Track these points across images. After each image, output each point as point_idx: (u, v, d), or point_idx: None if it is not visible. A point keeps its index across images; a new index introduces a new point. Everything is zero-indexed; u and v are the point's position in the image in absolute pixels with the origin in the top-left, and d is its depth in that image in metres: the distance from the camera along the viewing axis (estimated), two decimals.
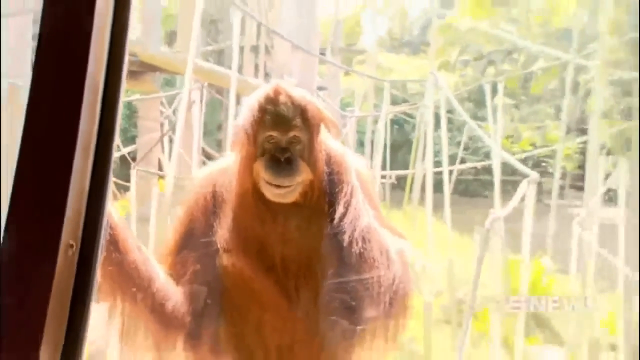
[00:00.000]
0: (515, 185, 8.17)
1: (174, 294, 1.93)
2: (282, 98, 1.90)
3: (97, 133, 1.50)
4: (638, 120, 8.84)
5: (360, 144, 12.81)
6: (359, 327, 1.92)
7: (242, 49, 11.00)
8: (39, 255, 1.37)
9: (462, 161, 13.20)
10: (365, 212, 1.93)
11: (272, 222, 1.92)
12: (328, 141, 1.97)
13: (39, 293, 1.36)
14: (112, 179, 1.55)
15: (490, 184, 10.87)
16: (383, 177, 12.98)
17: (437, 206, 11.88)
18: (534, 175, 7.27)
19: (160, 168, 9.47)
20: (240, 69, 10.31)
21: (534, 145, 14.00)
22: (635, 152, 9.04)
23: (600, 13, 11.64)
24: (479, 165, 12.78)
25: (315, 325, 1.93)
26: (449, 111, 12.18)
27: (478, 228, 8.07)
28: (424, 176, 11.21)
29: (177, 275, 1.95)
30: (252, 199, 1.91)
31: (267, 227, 1.93)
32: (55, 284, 1.37)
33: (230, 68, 8.09)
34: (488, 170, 11.42)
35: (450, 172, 12.33)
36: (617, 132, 11.09)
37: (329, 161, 1.94)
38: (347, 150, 2.02)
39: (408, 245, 1.99)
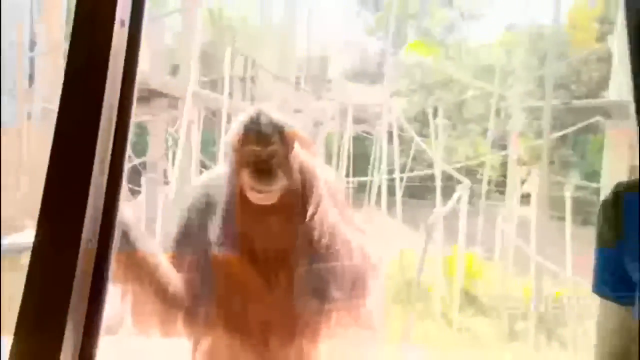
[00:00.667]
0: (452, 189, 8.25)
1: (175, 280, 1.91)
2: (263, 119, 1.89)
3: (112, 148, 1.49)
4: (545, 139, 8.94)
5: (329, 156, 12.78)
6: (326, 306, 1.91)
7: (232, 78, 10.95)
8: (64, 248, 1.35)
9: (411, 170, 13.22)
10: (331, 213, 1.92)
11: (255, 220, 1.90)
12: (302, 154, 1.96)
13: (63, 279, 1.34)
14: (123, 185, 1.53)
15: (433, 189, 10.93)
16: (347, 182, 12.98)
17: (391, 206, 11.94)
18: (467, 182, 7.36)
19: (165, 176, 9.43)
20: (230, 95, 10.25)
21: (467, 157, 14.08)
22: (545, 163, 9.17)
23: (515, 55, 11.82)
24: (423, 173, 12.80)
25: (291, 305, 1.91)
26: (400, 130, 12.25)
27: (423, 224, 8.14)
28: (380, 182, 11.27)
29: (177, 264, 1.93)
30: (239, 202, 1.89)
31: (251, 224, 1.91)
32: (77, 272, 1.35)
33: (222, 94, 8.05)
34: (431, 177, 11.46)
35: (401, 178, 12.40)
36: (530, 148, 11.25)
37: (302, 171, 1.93)
38: (318, 161, 2.01)
39: (367, 239, 1.98)
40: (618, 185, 0.98)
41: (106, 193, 1.48)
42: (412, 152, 13.24)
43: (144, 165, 10.04)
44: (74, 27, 1.49)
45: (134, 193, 9.49)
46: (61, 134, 1.40)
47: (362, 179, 12.85)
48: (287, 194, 1.89)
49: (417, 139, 11.08)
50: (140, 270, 1.86)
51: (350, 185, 13.13)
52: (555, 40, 9.74)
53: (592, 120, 10.32)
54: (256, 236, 1.91)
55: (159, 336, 1.98)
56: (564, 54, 11.18)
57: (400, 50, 16.58)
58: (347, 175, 12.98)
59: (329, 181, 1.99)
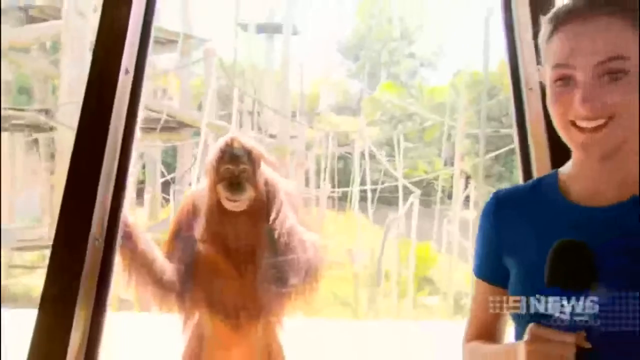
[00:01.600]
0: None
1: (169, 269, 1.88)
2: (236, 144, 1.87)
3: (117, 166, 1.48)
4: (481, 158, 8.97)
5: (318, 171, 12.77)
6: (285, 290, 1.88)
7: (241, 112, 10.95)
8: (76, 244, 1.34)
9: (382, 182, 13.21)
10: (290, 217, 1.91)
11: (229, 223, 1.88)
12: (267, 171, 1.94)
13: (75, 269, 1.33)
14: (127, 195, 1.51)
15: (396, 197, 10.95)
16: (333, 192, 13.00)
17: (364, 210, 11.91)
18: (417, 191, 7.41)
19: (190, 187, 9.42)
20: (240, 125, 10.27)
21: (425, 172, 14.09)
22: (481, 177, 9.19)
23: (461, 95, 11.87)
24: (389, 185, 12.78)
25: (257, 289, 1.89)
26: (373, 152, 12.25)
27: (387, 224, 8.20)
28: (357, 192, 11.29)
29: (170, 257, 1.90)
30: (217, 209, 1.87)
31: (226, 226, 1.89)
32: (86, 264, 1.34)
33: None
34: (396, 188, 11.46)
35: (374, 189, 12.38)
36: (472, 165, 11.27)
37: (266, 184, 1.91)
38: (279, 177, 1.99)
39: (318, 237, 1.96)
40: (497, 191, 0.94)
41: (112, 201, 1.48)
42: (382, 169, 13.25)
43: (173, 179, 10.04)
44: (89, 73, 1.49)
45: (166, 201, 9.48)
46: (75, 156, 1.40)
47: (344, 189, 12.84)
48: (255, 202, 1.88)
49: (384, 159, 11.10)
50: (140, 262, 1.84)
51: (335, 194, 13.12)
52: (489, 84, 9.80)
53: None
54: (230, 235, 1.89)
55: (158, 312, 1.96)
56: (496, 94, 11.26)
57: (374, 90, 16.65)
58: (332, 187, 12.97)
59: (289, 192, 1.97)
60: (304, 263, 1.88)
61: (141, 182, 8.93)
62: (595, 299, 0.75)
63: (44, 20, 7.69)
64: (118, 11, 1.49)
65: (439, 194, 12.60)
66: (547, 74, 0.82)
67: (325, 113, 16.18)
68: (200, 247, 1.89)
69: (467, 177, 11.14)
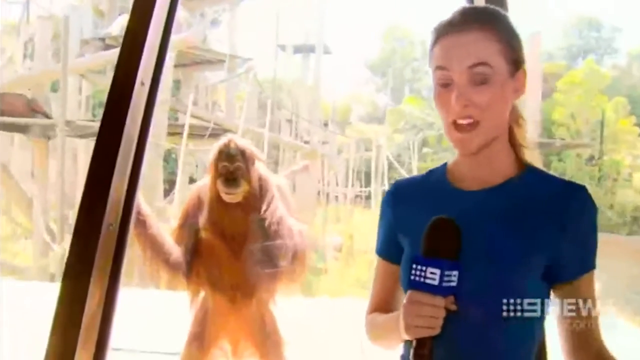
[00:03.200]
0: None
1: (176, 252, 1.91)
2: (232, 144, 1.89)
3: (132, 166, 1.51)
4: None
5: (347, 173, 12.76)
6: (274, 271, 1.88)
7: (280, 121, 11.04)
8: (93, 230, 1.36)
9: None
10: (280, 208, 1.91)
11: (226, 213, 1.90)
12: (260, 168, 1.95)
13: (92, 251, 1.35)
14: (140, 186, 1.54)
15: None
16: (360, 191, 12.98)
17: None
18: None
19: None
20: (279, 132, 10.35)
21: None
22: None
23: None
24: None
25: (251, 271, 1.90)
26: (398, 155, 12.14)
27: None
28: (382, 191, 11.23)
29: (179, 242, 1.93)
30: (216, 201, 1.89)
31: (224, 216, 1.91)
32: (99, 247, 1.37)
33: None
34: None
35: None
36: None
37: (260, 179, 1.92)
38: (270, 173, 2.00)
39: (305, 227, 1.95)
40: (397, 180, 0.98)
41: (127, 193, 1.50)
42: (404, 170, 13.11)
43: None
44: (111, 83, 1.52)
45: None
46: (95, 156, 1.43)
47: (370, 188, 12.77)
48: (249, 195, 1.89)
49: (406, 161, 10.98)
50: (152, 244, 1.87)
51: (362, 193, 13.06)
52: None
53: None
54: (227, 224, 1.91)
55: (166, 288, 1.99)
56: None
57: (399, 102, 16.50)
58: (360, 186, 12.92)
59: (281, 186, 1.97)
60: (291, 248, 1.88)
61: (193, 180, 9.09)
62: (460, 267, 0.79)
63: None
64: (139, 27, 1.49)
65: None
66: (433, 78, 0.86)
67: (355, 122, 16.13)
68: (203, 234, 1.92)
69: None
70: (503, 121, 0.86)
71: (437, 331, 0.78)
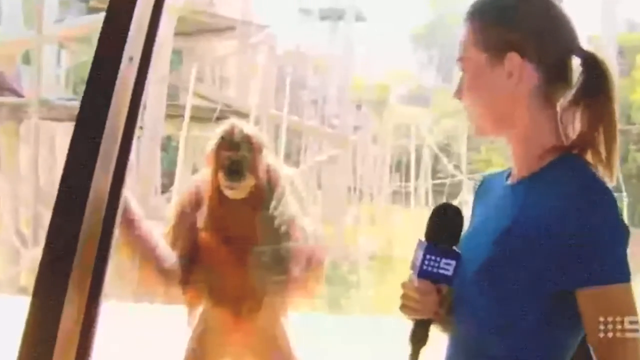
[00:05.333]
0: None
1: (171, 257, 1.96)
2: (235, 131, 1.92)
3: (118, 154, 1.55)
4: None
5: (382, 165, 12.75)
6: (284, 279, 1.92)
7: (302, 102, 11.07)
8: (71, 233, 1.40)
9: (453, 177, 12.92)
10: (291, 206, 1.94)
11: (229, 211, 1.94)
12: (269, 158, 1.98)
13: (69, 258, 1.39)
14: (125, 183, 1.59)
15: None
16: (400, 186, 12.96)
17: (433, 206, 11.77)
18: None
19: None
20: (302, 115, 10.41)
21: (502, 166, 13.65)
22: None
23: None
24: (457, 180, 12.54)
25: (257, 279, 1.94)
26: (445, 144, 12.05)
27: None
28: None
29: (173, 245, 1.98)
30: (217, 197, 1.93)
31: (227, 214, 1.95)
32: (78, 254, 1.41)
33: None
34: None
35: (442, 184, 12.19)
36: None
37: (268, 171, 1.95)
38: (282, 164, 2.03)
39: (320, 228, 1.98)
40: (487, 174, 1.18)
41: (111, 188, 1.55)
42: (452, 163, 12.99)
43: None
44: (93, 60, 1.57)
45: None
46: (74, 144, 1.48)
47: (409, 184, 12.72)
48: (255, 190, 1.93)
49: (441, 156, 10.95)
50: (142, 250, 1.92)
51: (403, 188, 13.03)
52: None
53: None
54: (230, 223, 1.95)
55: (163, 302, 2.04)
56: None
57: (448, 82, 16.34)
58: (400, 181, 12.88)
59: (292, 179, 2.01)
60: (305, 252, 1.92)
61: (195, 172, 9.21)
62: (456, 258, 0.92)
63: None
64: None
65: None
66: None
67: (394, 104, 16.04)
68: (202, 235, 1.96)
69: None
70: (506, 108, 0.97)
71: (427, 315, 0.95)
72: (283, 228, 1.90)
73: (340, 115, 11.63)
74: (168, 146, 10.02)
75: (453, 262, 0.91)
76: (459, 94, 1.01)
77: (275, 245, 1.90)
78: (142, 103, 1.64)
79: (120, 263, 1.90)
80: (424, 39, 17.87)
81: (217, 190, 1.92)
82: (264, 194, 1.93)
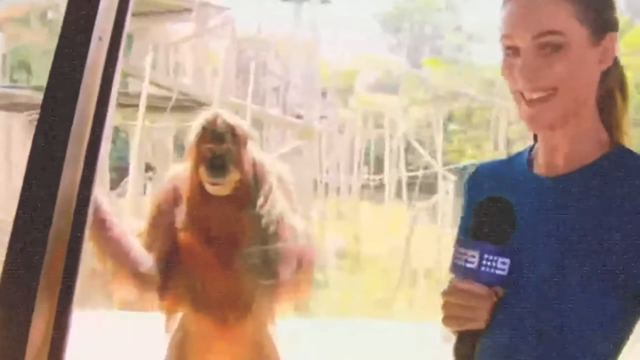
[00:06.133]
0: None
1: (147, 260, 1.92)
2: (219, 121, 1.89)
3: (87, 147, 1.50)
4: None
5: (351, 157, 12.82)
6: (273, 282, 1.90)
7: (264, 90, 11.02)
8: (37, 236, 1.36)
9: (425, 168, 13.09)
10: (280, 203, 1.93)
11: (212, 209, 1.91)
12: (254, 151, 1.96)
13: (36, 264, 1.35)
14: (97, 180, 1.54)
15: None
16: (368, 179, 13.05)
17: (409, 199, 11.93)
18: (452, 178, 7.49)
19: None
20: (263, 102, 10.34)
21: (474, 157, 13.95)
22: None
23: None
24: (430, 172, 12.73)
25: (243, 283, 1.92)
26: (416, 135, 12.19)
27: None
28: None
29: (149, 247, 1.94)
30: (198, 193, 1.90)
31: (209, 212, 1.92)
32: (46, 259, 1.36)
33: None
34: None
35: (414, 177, 12.34)
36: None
37: (254, 165, 1.93)
38: (271, 158, 2.02)
39: (311, 228, 1.97)
40: (480, 163, 1.16)
41: (80, 185, 1.50)
42: (425, 153, 13.16)
43: None
44: (58, 41, 1.52)
45: None
46: (38, 135, 1.42)
47: (382, 176, 12.82)
48: (240, 185, 1.90)
49: (427, 143, 11.07)
50: (116, 252, 1.88)
51: (371, 182, 13.12)
52: None
53: None
54: (213, 222, 1.93)
55: (139, 310, 2.00)
56: None
57: (417, 66, 16.50)
58: (369, 174, 12.97)
59: (281, 175, 1.99)
60: (295, 253, 1.91)
61: (150, 168, 9.04)
62: (510, 254, 0.88)
63: None
64: None
65: None
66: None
67: (362, 91, 16.10)
68: (182, 236, 1.93)
69: None
70: (584, 96, 0.93)
71: (478, 324, 0.88)
72: (271, 227, 1.88)
73: (305, 103, 11.63)
74: (116, 137, 9.78)
75: (508, 261, 0.87)
76: (530, 74, 0.89)
77: (263, 246, 1.89)
78: (113, 88, 1.61)
79: (91, 267, 1.85)
80: (393, 21, 17.99)
81: (198, 187, 1.89)
82: (250, 190, 1.91)
